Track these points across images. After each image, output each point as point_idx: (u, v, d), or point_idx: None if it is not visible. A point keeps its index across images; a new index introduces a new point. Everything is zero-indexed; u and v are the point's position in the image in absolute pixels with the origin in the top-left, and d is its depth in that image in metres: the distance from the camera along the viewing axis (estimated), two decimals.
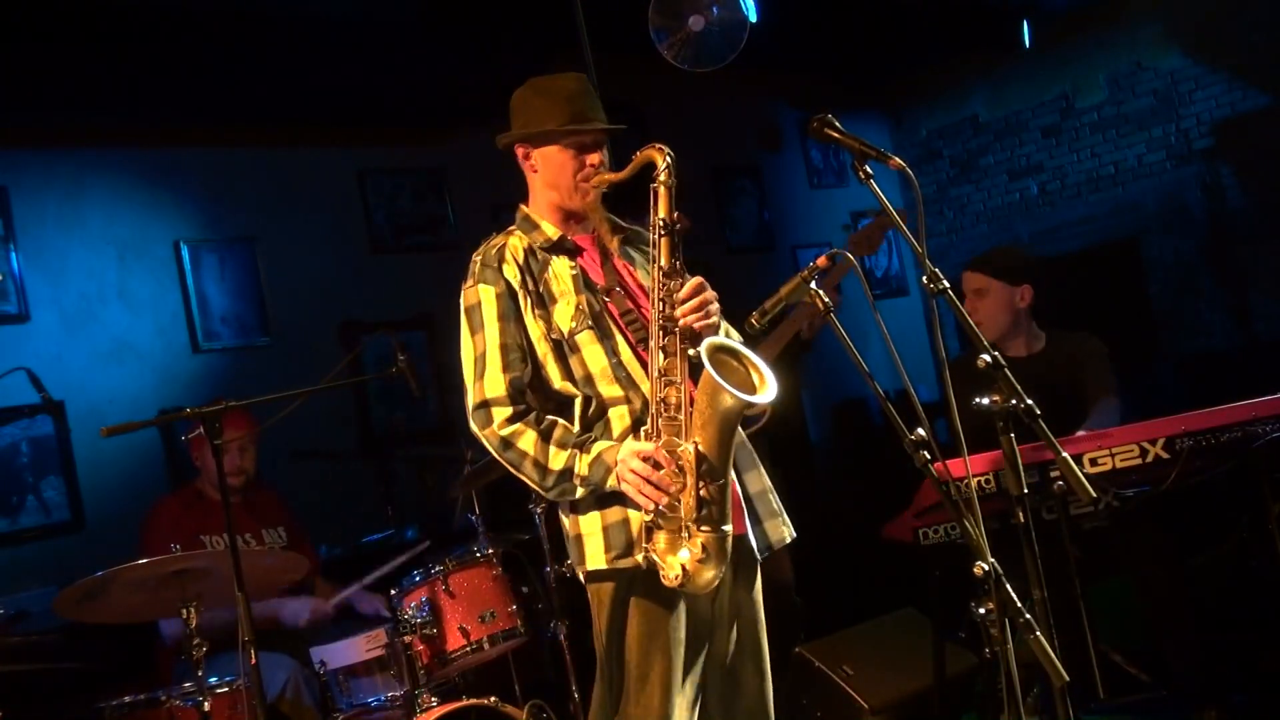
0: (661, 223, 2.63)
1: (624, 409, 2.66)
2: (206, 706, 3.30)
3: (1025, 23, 7.44)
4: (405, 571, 3.98)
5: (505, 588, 3.83)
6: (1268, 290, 7.31)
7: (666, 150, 2.64)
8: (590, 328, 2.68)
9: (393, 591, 3.87)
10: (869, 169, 2.54)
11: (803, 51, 7.46)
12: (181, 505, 4.37)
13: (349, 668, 3.75)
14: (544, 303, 2.70)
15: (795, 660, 4.01)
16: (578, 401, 2.68)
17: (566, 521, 2.74)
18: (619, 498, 2.63)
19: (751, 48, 4.29)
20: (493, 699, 3.67)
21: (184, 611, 3.37)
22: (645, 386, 2.64)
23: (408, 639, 3.71)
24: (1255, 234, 7.31)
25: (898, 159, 2.47)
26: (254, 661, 3.14)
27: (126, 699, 3.46)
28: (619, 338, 2.69)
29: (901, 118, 8.92)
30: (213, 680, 3.44)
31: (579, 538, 2.69)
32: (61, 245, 5.30)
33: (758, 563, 2.78)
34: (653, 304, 2.62)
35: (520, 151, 2.81)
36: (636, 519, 2.61)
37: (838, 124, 2.57)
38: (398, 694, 3.71)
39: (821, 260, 2.65)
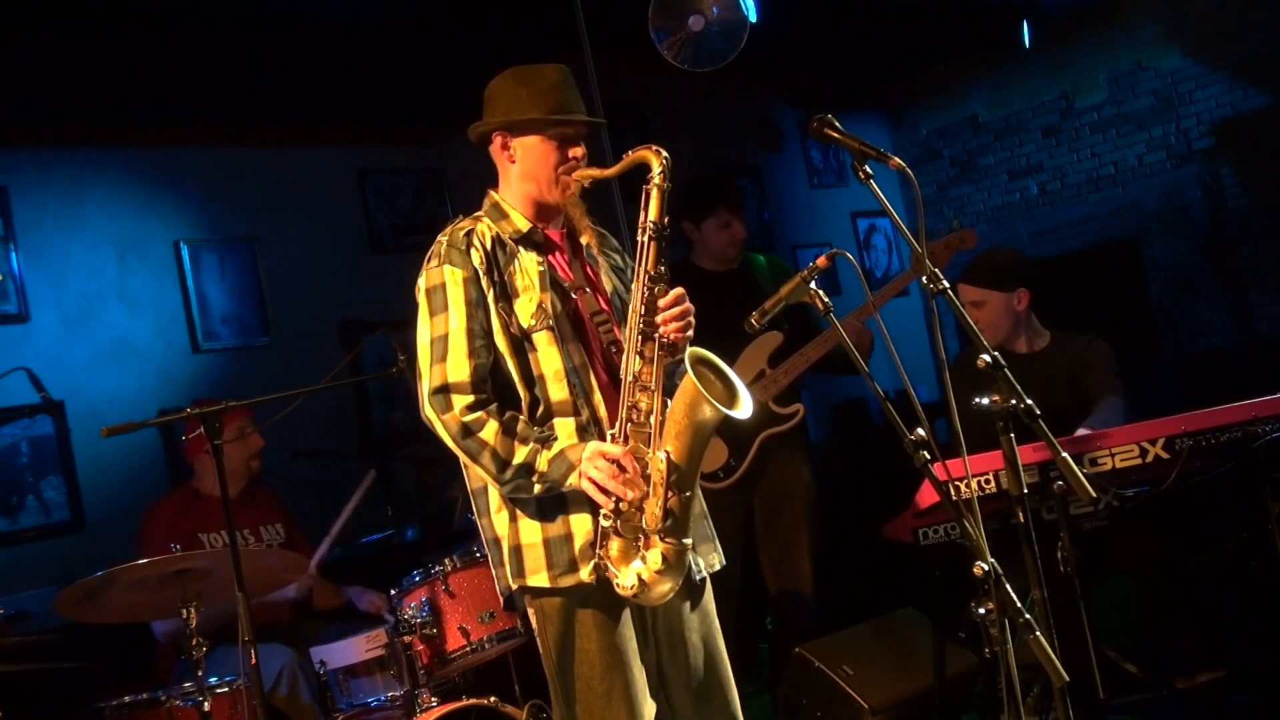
0: (653, 225, 2.57)
1: (570, 418, 2.59)
2: (206, 706, 3.30)
3: (1025, 23, 7.43)
4: (404, 569, 3.97)
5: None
6: (1268, 290, 7.31)
7: (663, 153, 2.59)
8: (550, 328, 2.61)
9: (393, 591, 3.87)
10: (869, 169, 2.54)
11: (803, 51, 7.46)
12: (179, 505, 4.38)
13: (349, 668, 3.75)
14: (506, 295, 2.64)
15: (795, 660, 4.01)
16: (524, 403, 2.62)
17: (504, 530, 2.65)
18: (561, 508, 2.57)
19: (751, 48, 4.29)
20: (493, 699, 3.67)
21: (184, 611, 3.37)
22: (597, 398, 2.60)
23: (408, 639, 3.70)
24: (1255, 234, 7.30)
25: (898, 159, 2.47)
26: (254, 662, 3.14)
27: (126, 699, 3.46)
28: (579, 343, 2.63)
29: (901, 118, 8.91)
30: (213, 680, 3.44)
31: (518, 548, 2.61)
32: (61, 245, 5.30)
33: (705, 581, 2.74)
34: (634, 307, 2.56)
35: (499, 140, 2.76)
36: (581, 534, 2.56)
37: (838, 124, 2.57)
38: (398, 694, 3.71)
39: (821, 260, 2.65)
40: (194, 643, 3.34)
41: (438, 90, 5.95)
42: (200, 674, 3.33)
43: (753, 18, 4.49)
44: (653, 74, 4.56)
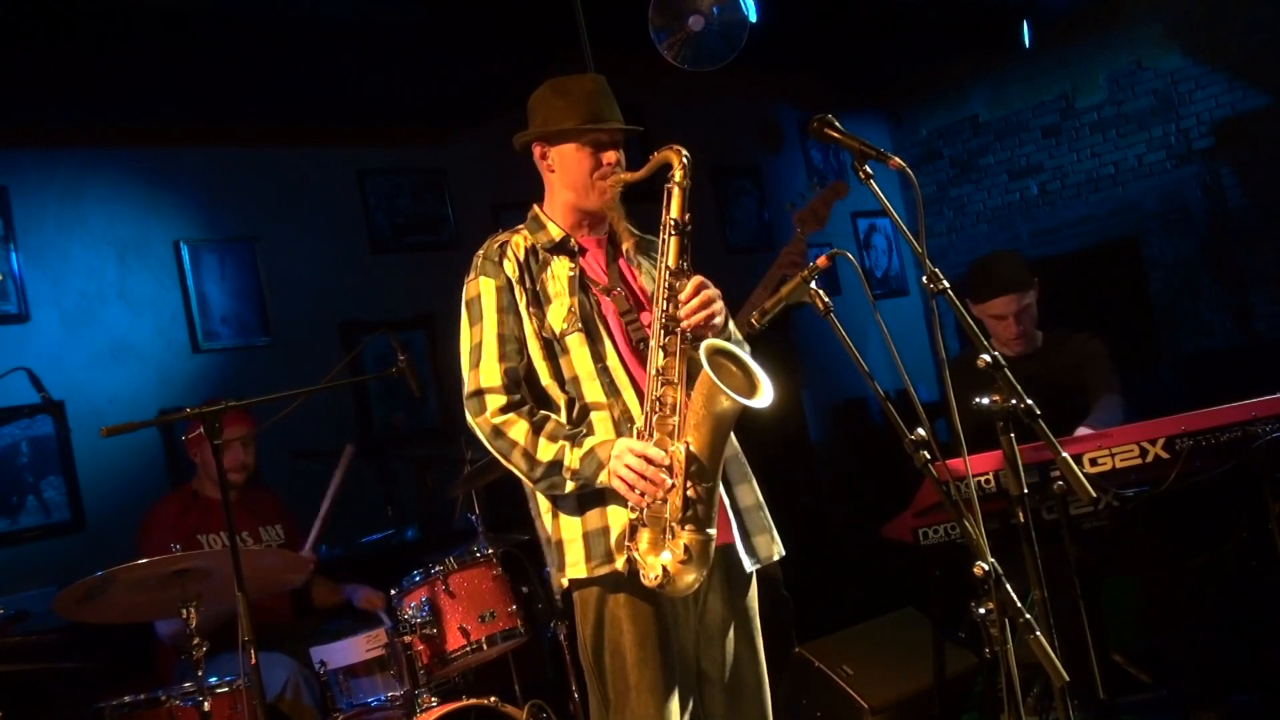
0: (673, 222, 2.63)
1: (606, 414, 2.66)
2: (206, 706, 3.30)
3: (1025, 23, 7.43)
4: (404, 569, 3.98)
5: (505, 588, 3.83)
6: (1268, 290, 7.31)
7: (684, 152, 2.65)
8: (580, 330, 2.68)
9: (393, 591, 3.87)
10: (869, 169, 2.54)
11: (803, 51, 7.46)
12: (179, 506, 4.37)
13: (349, 668, 3.75)
14: (539, 301, 2.72)
15: (795, 660, 4.01)
16: (562, 402, 2.69)
17: (547, 525, 2.73)
18: (599, 502, 2.63)
19: (751, 48, 4.29)
20: (493, 699, 3.68)
21: (184, 611, 3.37)
22: (628, 394, 2.66)
23: (408, 639, 3.71)
24: (1255, 234, 7.30)
25: (897, 159, 2.48)
26: (254, 662, 3.14)
27: (126, 699, 3.46)
28: (608, 342, 2.69)
29: (901, 118, 8.92)
30: (213, 680, 3.44)
31: (559, 543, 2.69)
32: (61, 245, 5.30)
33: (750, 576, 2.76)
34: (656, 302, 2.62)
35: (538, 151, 2.82)
36: (616, 525, 2.60)
37: (838, 124, 2.57)
38: (398, 694, 3.71)
39: (821, 260, 2.65)
40: (194, 643, 3.34)
41: (438, 90, 5.95)
42: (200, 674, 3.33)
43: (753, 18, 4.49)
44: (653, 74, 4.55)
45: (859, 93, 8.59)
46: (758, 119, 8.15)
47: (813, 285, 2.61)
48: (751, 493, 2.77)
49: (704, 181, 7.58)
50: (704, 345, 2.52)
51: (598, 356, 2.68)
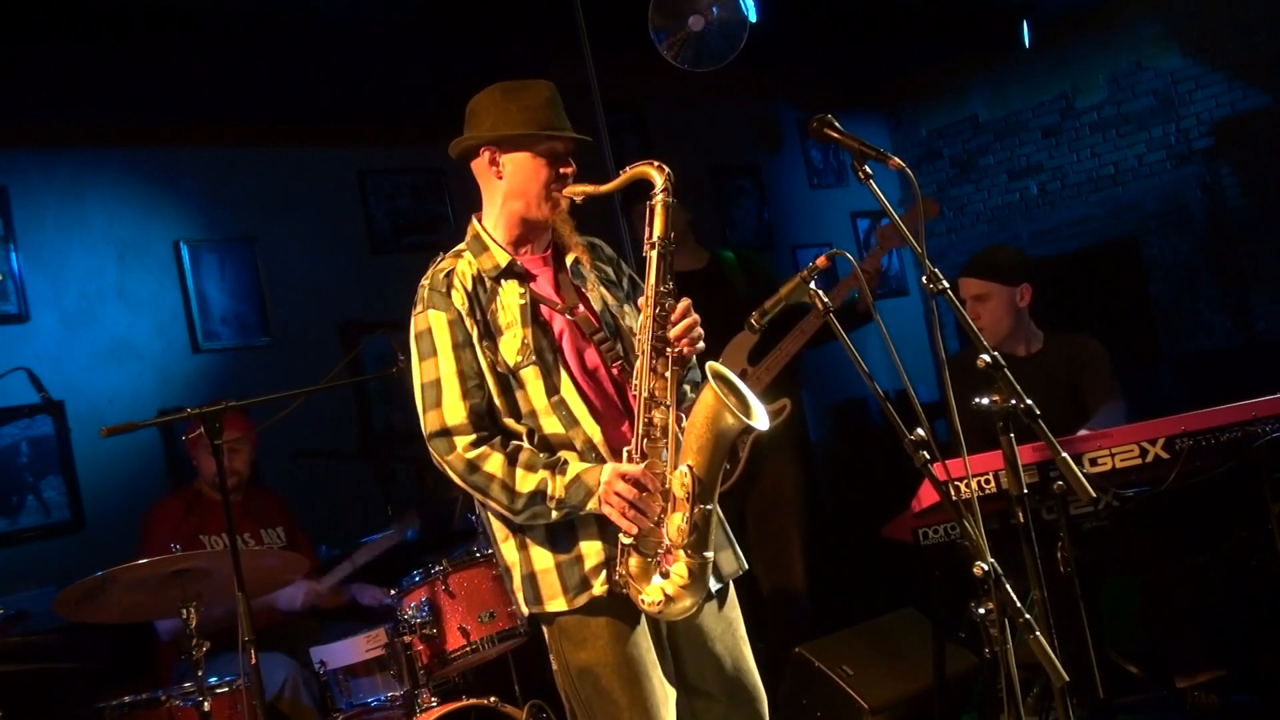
0: (659, 240, 2.55)
1: (568, 449, 2.59)
2: (206, 706, 3.31)
3: (1025, 23, 7.43)
4: (404, 569, 3.98)
5: (505, 588, 3.83)
6: (1268, 290, 7.31)
7: (665, 168, 2.57)
8: (534, 363, 2.60)
9: (393, 591, 3.87)
10: (869, 169, 2.54)
11: (803, 51, 7.46)
12: (181, 506, 4.38)
13: (349, 668, 3.76)
14: (490, 334, 2.63)
15: (795, 660, 4.01)
16: (524, 434, 2.61)
17: (513, 558, 2.65)
18: (569, 530, 2.57)
19: (751, 48, 4.29)
20: (493, 699, 3.68)
21: (184, 611, 3.37)
22: (588, 423, 2.59)
23: (408, 639, 3.71)
24: (1255, 234, 7.30)
25: (897, 159, 2.47)
26: (254, 662, 3.14)
27: (126, 699, 3.47)
28: (563, 372, 2.62)
29: (901, 118, 8.91)
30: (213, 680, 3.44)
31: (531, 576, 2.61)
32: (61, 245, 5.30)
33: (727, 586, 2.73)
34: (643, 324, 2.55)
35: (486, 155, 2.70)
36: (591, 555, 2.56)
37: (838, 124, 2.56)
38: (398, 694, 3.72)
39: (821, 260, 2.65)
40: (194, 643, 3.34)
41: (438, 90, 5.91)
42: (200, 674, 3.33)
43: (753, 18, 4.49)
44: (653, 74, 4.55)
45: (859, 93, 8.58)
46: (758, 119, 8.15)
47: (812, 285, 2.61)
48: (717, 509, 2.70)
49: (704, 181, 7.60)
50: (708, 367, 2.49)
51: (551, 389, 2.59)
